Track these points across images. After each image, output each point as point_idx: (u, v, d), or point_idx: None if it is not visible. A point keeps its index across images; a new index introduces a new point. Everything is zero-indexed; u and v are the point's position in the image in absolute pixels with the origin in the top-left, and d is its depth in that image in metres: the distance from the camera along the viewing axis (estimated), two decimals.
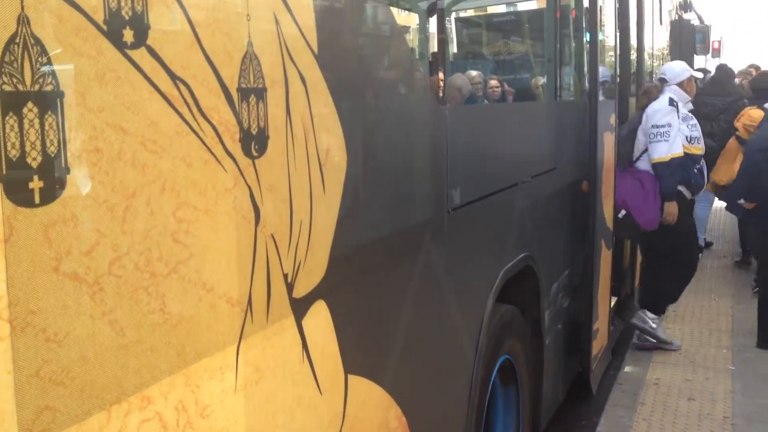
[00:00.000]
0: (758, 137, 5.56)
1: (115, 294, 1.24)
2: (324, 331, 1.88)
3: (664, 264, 5.45)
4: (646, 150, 5.21)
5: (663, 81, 5.45)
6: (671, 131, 5.10)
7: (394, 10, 3.33)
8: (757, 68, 10.02)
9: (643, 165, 5.24)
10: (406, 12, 3.56)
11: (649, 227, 5.11)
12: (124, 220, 1.25)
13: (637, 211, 5.02)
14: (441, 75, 2.56)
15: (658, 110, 5.18)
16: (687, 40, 9.73)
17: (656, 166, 5.13)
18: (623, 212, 5.01)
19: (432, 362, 2.59)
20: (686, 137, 5.20)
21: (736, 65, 10.99)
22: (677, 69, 5.53)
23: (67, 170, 1.14)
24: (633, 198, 5.02)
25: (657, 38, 7.70)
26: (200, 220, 1.42)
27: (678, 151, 5.10)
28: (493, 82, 4.74)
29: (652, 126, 5.15)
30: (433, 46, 2.57)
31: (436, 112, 2.50)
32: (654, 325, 5.50)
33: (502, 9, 5.74)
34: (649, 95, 5.33)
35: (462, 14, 5.22)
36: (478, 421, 2.96)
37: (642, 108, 5.37)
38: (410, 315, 2.36)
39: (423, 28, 2.72)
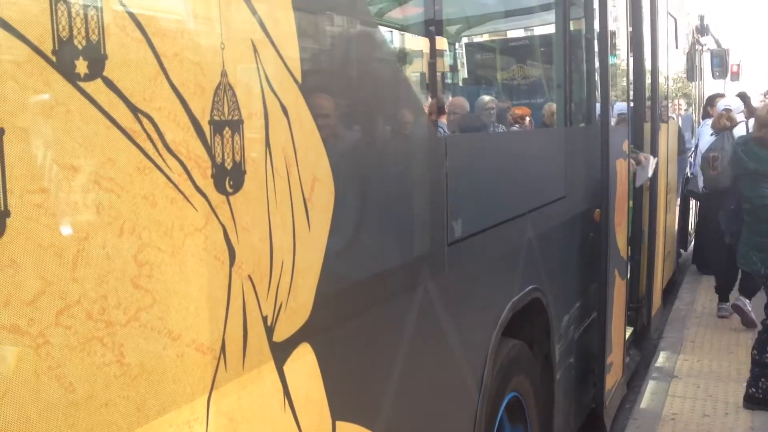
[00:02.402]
0: None
1: (64, 346, 1.14)
2: (308, 376, 1.77)
3: None
4: None
5: (728, 110, 6.85)
6: None
7: (388, 34, 3.25)
8: None
9: None
10: (402, 35, 3.47)
11: None
12: (74, 266, 1.15)
13: None
14: (440, 101, 2.46)
15: None
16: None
17: None
18: None
19: (432, 403, 2.46)
20: None
21: (757, 89, 10.85)
22: (738, 102, 7.32)
23: (7, 213, 1.05)
24: None
25: (673, 62, 7.59)
26: (165, 263, 1.33)
27: None
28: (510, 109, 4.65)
29: None
30: (432, 71, 2.46)
31: (433, 141, 2.39)
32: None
33: (511, 33, 5.64)
34: (731, 120, 6.71)
35: (465, 38, 5.12)
36: None
37: (727, 129, 6.63)
38: (407, 354, 2.25)
39: (421, 52, 2.63)
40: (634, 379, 5.45)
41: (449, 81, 4.38)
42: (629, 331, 5.58)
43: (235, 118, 1.49)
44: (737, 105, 7.16)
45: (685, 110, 10.30)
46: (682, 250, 9.12)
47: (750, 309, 6.29)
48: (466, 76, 5.22)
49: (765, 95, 9.79)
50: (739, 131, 6.49)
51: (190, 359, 1.39)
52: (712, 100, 8.05)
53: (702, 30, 9.96)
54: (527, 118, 4.76)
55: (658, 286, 6.42)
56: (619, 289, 4.61)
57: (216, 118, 1.44)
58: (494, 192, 2.93)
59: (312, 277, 1.76)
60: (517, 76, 5.49)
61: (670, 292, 7.73)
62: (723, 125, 6.71)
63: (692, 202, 9.32)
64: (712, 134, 6.92)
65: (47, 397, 1.11)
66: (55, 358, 1.12)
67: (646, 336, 6.14)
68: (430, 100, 2.47)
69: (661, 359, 5.77)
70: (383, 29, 2.95)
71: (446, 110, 3.72)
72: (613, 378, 4.53)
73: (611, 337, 4.40)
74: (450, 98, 3.75)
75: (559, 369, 3.72)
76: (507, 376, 3.07)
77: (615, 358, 4.55)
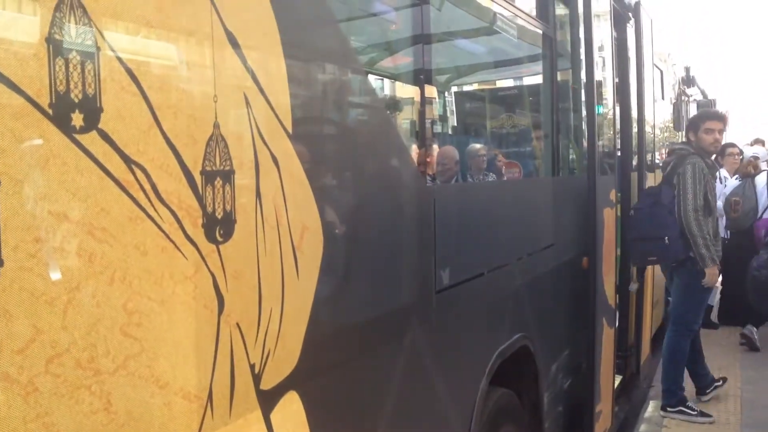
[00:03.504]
0: None
1: (53, 394, 1.15)
2: (295, 425, 1.77)
3: None
4: None
5: (756, 158, 7.64)
6: None
7: (377, 83, 3.31)
8: (762, 142, 10.11)
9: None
10: (391, 85, 3.54)
11: None
12: (65, 315, 1.17)
13: None
14: (428, 151, 2.50)
15: None
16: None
17: None
18: None
19: None
20: None
21: (743, 139, 11.02)
22: (765, 151, 8.29)
23: (0, 263, 1.07)
24: None
25: (659, 113, 7.72)
26: (155, 312, 1.34)
27: None
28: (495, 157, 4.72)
29: None
30: (422, 121, 2.52)
31: (422, 191, 2.43)
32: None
33: (500, 84, 5.73)
34: (756, 167, 7.50)
35: (454, 88, 5.19)
36: None
37: (751, 176, 7.47)
38: (395, 403, 2.25)
39: (411, 101, 2.69)
40: (624, 429, 5.42)
41: (438, 130, 4.44)
42: (618, 379, 5.57)
43: (227, 168, 1.52)
44: (763, 153, 8.27)
45: None
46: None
47: (757, 337, 7.23)
48: (455, 125, 5.29)
49: (752, 144, 9.94)
50: (761, 179, 7.45)
51: (177, 407, 1.40)
52: (724, 150, 8.40)
53: (688, 81, 10.13)
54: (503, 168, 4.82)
55: (647, 334, 6.44)
56: (607, 337, 4.62)
57: (208, 168, 1.47)
58: (483, 240, 2.96)
59: (300, 325, 1.78)
60: (506, 126, 5.56)
61: (660, 339, 7.72)
62: (748, 171, 7.51)
63: None
64: (736, 178, 7.81)
65: None
66: (43, 405, 1.13)
67: (635, 384, 6.12)
68: (419, 149, 2.51)
69: (651, 408, 5.75)
70: (373, 79, 3.02)
71: (435, 160, 3.76)
72: (602, 427, 4.51)
73: (600, 386, 4.40)
74: (438, 148, 3.79)
75: (547, 418, 3.71)
76: (495, 425, 3.06)
77: (604, 406, 4.54)
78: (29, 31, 1.13)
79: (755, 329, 7.28)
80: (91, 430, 1.22)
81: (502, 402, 3.14)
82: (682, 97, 9.85)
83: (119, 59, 1.27)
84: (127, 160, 1.28)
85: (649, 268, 6.22)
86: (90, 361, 1.22)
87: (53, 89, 1.15)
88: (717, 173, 5.65)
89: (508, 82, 5.72)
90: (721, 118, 5.51)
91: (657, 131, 8.05)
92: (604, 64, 5.41)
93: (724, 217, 7.62)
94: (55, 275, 1.15)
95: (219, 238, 1.51)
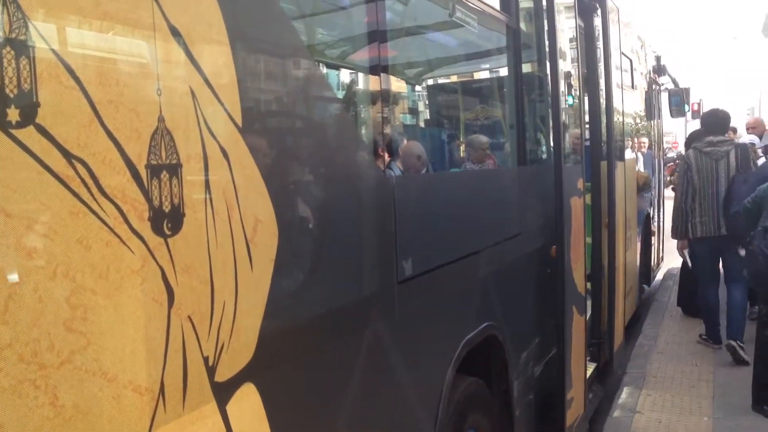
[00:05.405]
0: None
1: None
2: (253, 416, 1.78)
3: None
4: None
5: (753, 144, 7.61)
6: None
7: (331, 75, 3.32)
8: (733, 130, 10.19)
9: None
10: (347, 75, 3.55)
11: None
12: (5, 310, 1.17)
13: None
14: (387, 142, 2.52)
15: None
16: None
17: None
18: None
19: None
20: None
21: None
22: (756, 139, 8.31)
23: None
24: None
25: (629, 102, 7.76)
26: (100, 305, 1.35)
27: None
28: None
29: None
30: (379, 112, 2.53)
31: (381, 182, 2.44)
32: None
33: (463, 76, 5.73)
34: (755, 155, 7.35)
35: (413, 79, 5.18)
36: None
37: None
38: (357, 394, 2.27)
39: (365, 92, 2.70)
40: (598, 415, 5.47)
41: (396, 122, 4.45)
42: (593, 366, 5.62)
43: (173, 162, 1.53)
44: (757, 140, 8.63)
45: (648, 148, 10.48)
46: (645, 286, 9.22)
47: None
48: (412, 116, 5.29)
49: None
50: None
51: (127, 400, 1.41)
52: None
53: (659, 70, 10.20)
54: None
55: (620, 322, 6.49)
56: (578, 325, 4.66)
57: (153, 162, 1.47)
58: (446, 230, 2.97)
59: (255, 317, 1.79)
60: (480, 117, 5.57)
61: (634, 327, 7.81)
62: None
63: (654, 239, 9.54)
64: None
65: None
66: None
67: (609, 371, 6.18)
68: (377, 140, 2.52)
69: (624, 394, 5.81)
70: (326, 71, 3.03)
71: (395, 151, 3.77)
72: (573, 413, 4.56)
73: (571, 373, 4.44)
74: (394, 137, 3.80)
75: (518, 405, 3.74)
76: (464, 413, 3.09)
77: (576, 393, 4.58)
78: None
79: None
80: (37, 424, 1.22)
81: (471, 390, 3.17)
82: (653, 86, 9.93)
83: (56, 54, 1.28)
84: (67, 155, 1.29)
85: (620, 255, 6.27)
86: (34, 355, 1.22)
87: None
88: None
89: (471, 75, 5.73)
90: None
91: (628, 120, 8.08)
92: (570, 54, 5.44)
93: None
94: None
95: (167, 232, 1.51)
